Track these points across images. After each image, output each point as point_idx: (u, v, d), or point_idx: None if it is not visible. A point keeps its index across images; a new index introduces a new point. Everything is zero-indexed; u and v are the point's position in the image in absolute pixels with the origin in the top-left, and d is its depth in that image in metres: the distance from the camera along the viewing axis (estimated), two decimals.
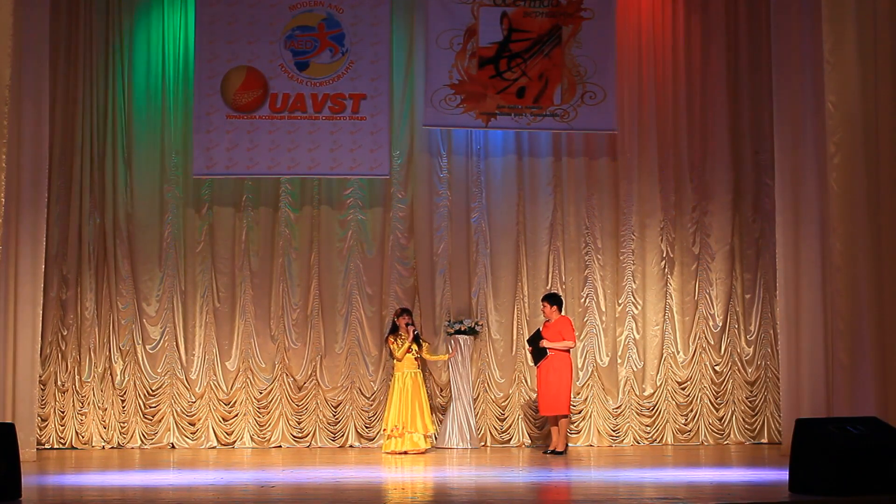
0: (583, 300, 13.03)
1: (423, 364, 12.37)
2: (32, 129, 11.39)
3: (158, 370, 12.73)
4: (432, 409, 12.59)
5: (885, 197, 9.52)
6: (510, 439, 12.87)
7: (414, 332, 12.00)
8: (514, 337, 12.97)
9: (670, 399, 12.98)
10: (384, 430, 12.06)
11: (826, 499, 7.56)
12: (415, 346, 11.97)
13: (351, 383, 12.86)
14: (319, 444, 12.75)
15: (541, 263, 13.05)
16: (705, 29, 13.24)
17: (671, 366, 13.01)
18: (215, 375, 12.79)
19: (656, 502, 7.81)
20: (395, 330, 12.06)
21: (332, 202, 13.01)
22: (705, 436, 12.95)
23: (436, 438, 12.53)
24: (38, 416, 11.96)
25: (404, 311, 12.11)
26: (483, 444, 12.78)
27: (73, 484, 9.56)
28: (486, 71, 12.68)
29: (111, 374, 12.66)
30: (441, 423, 12.65)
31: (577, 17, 12.74)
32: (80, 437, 12.56)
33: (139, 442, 12.62)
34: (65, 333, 12.59)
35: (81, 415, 12.57)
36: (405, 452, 11.74)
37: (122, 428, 12.63)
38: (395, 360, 12.02)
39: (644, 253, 13.10)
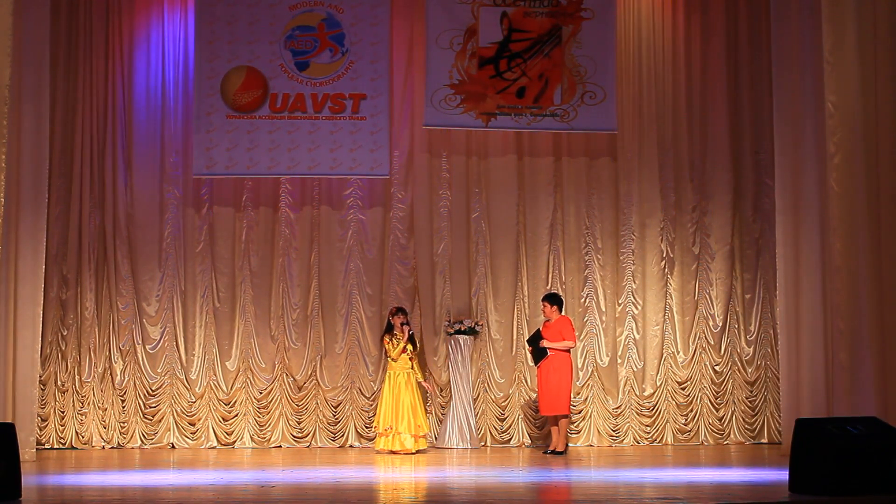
0: (583, 300, 13.03)
1: (421, 363, 12.39)
2: (32, 129, 11.38)
3: (158, 370, 12.73)
4: (431, 409, 12.63)
5: (885, 197, 9.51)
6: (510, 439, 12.87)
7: (409, 331, 12.00)
8: (514, 337, 12.97)
9: (670, 399, 12.98)
10: (375, 427, 12.08)
11: (826, 499, 7.56)
12: (409, 346, 11.98)
13: (351, 383, 12.86)
14: (319, 444, 12.75)
15: (541, 263, 13.06)
16: (705, 29, 13.24)
17: (671, 366, 13.02)
18: (215, 375, 12.79)
19: (656, 502, 7.81)
20: (390, 329, 12.07)
21: (332, 202, 13.01)
22: (705, 436, 12.95)
23: (436, 438, 12.54)
24: (38, 416, 11.96)
25: (399, 311, 12.11)
26: (483, 444, 12.78)
27: (73, 484, 9.56)
28: (486, 71, 12.68)
29: (111, 374, 12.66)
30: (441, 423, 12.65)
31: (577, 17, 12.75)
32: (80, 437, 12.56)
33: (139, 442, 12.62)
34: (65, 333, 12.59)
35: (81, 415, 12.57)
36: (395, 452, 11.75)
37: (122, 428, 12.63)
38: (390, 360, 12.04)
39: (644, 253, 13.10)
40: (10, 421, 9.72)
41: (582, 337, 12.84)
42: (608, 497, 8.24)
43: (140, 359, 12.71)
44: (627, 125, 13.13)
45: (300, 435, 12.78)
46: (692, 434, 12.95)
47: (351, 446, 12.74)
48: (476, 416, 12.68)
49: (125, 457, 11.92)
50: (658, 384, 12.97)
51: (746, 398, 13.02)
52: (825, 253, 10.67)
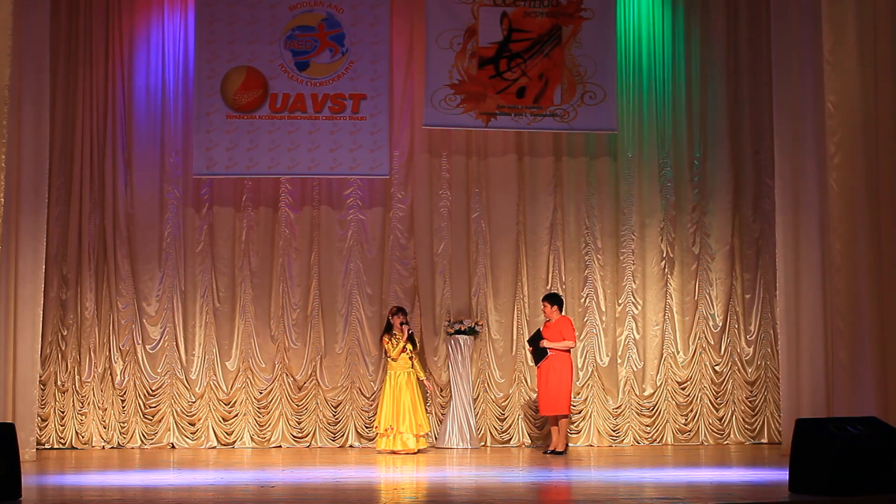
0: (583, 300, 13.03)
1: (421, 363, 12.40)
2: (32, 129, 11.38)
3: (158, 370, 12.73)
4: (431, 409, 12.64)
5: (885, 197, 9.52)
6: (510, 439, 12.87)
7: (409, 331, 12.01)
8: (514, 337, 12.97)
9: (670, 399, 12.98)
10: (376, 427, 12.08)
11: (826, 499, 7.56)
12: (409, 346, 11.98)
13: (351, 383, 12.86)
14: (319, 444, 12.75)
15: (541, 263, 13.06)
16: (705, 29, 13.24)
17: (671, 366, 13.01)
18: (215, 375, 12.79)
19: (656, 502, 7.81)
20: (389, 329, 12.07)
21: (332, 202, 13.01)
22: (705, 436, 12.95)
23: (436, 438, 12.55)
24: (38, 416, 11.95)
25: (399, 311, 12.11)
26: (483, 444, 12.78)
27: (73, 484, 9.56)
28: (486, 71, 12.68)
29: (111, 374, 12.66)
30: (441, 423, 12.65)
31: (577, 17, 12.75)
32: (80, 437, 12.56)
33: (139, 442, 12.62)
34: (65, 333, 12.59)
35: (81, 415, 12.57)
36: (396, 452, 11.76)
37: (122, 428, 12.63)
38: (389, 360, 12.04)
39: (644, 253, 13.10)
40: (10, 421, 9.73)
41: (582, 337, 12.84)
42: (608, 497, 8.24)
43: (140, 359, 12.71)
44: (627, 125, 13.13)
45: (300, 435, 12.78)
46: (692, 434, 12.95)
47: (351, 446, 12.74)
48: (476, 416, 12.68)
49: (125, 457, 11.92)
50: (658, 384, 12.97)
51: (746, 398, 13.02)
52: (825, 253, 10.67)
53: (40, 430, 12.21)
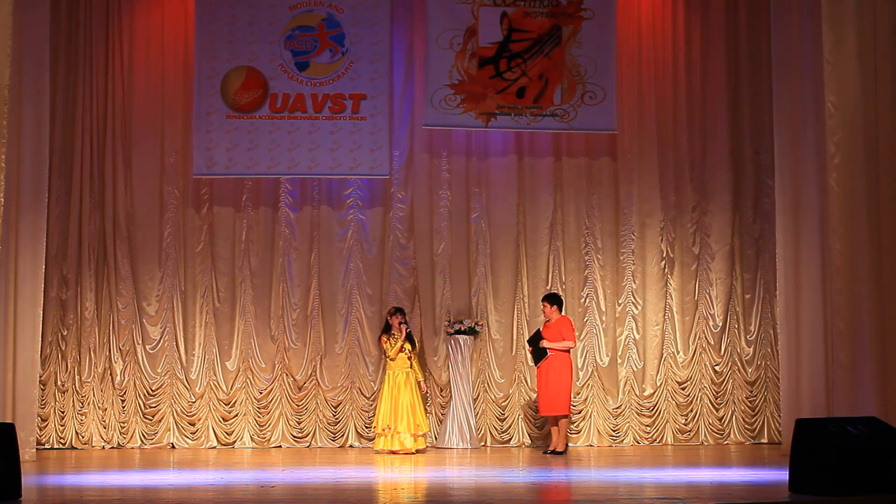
0: (583, 300, 13.03)
1: (421, 363, 12.41)
2: (32, 129, 11.38)
3: (158, 370, 12.73)
4: (431, 409, 12.64)
5: (885, 197, 9.52)
6: (510, 439, 12.87)
7: (407, 330, 12.01)
8: (514, 337, 12.97)
9: (670, 399, 12.98)
10: (374, 427, 12.08)
11: (826, 499, 7.56)
12: (408, 346, 11.99)
13: (351, 383, 12.86)
14: (319, 444, 12.75)
15: (541, 263, 13.06)
16: (705, 29, 13.24)
17: (671, 366, 13.01)
18: (215, 375, 12.79)
19: (656, 502, 7.81)
20: (388, 329, 12.08)
21: (332, 202, 13.02)
22: (705, 436, 12.95)
23: (436, 438, 12.55)
24: (38, 416, 11.95)
25: (397, 311, 12.12)
26: (483, 444, 12.78)
27: (73, 484, 9.56)
28: (486, 71, 12.68)
29: (111, 374, 12.66)
30: (441, 423, 12.65)
31: (577, 17, 12.75)
32: (80, 437, 12.56)
33: (139, 442, 12.62)
34: (65, 333, 12.59)
35: (81, 415, 12.57)
36: (394, 452, 11.76)
37: (122, 428, 12.63)
38: (388, 360, 12.05)
39: (644, 253, 13.10)
40: (10, 421, 9.72)
41: (582, 337, 12.84)
42: (608, 497, 8.24)
43: (140, 359, 12.71)
44: (627, 125, 13.13)
45: (300, 435, 12.78)
46: (692, 434, 12.95)
47: (351, 446, 12.74)
48: (476, 416, 12.68)
49: (125, 457, 11.92)
50: (658, 384, 12.97)
51: (746, 398, 13.02)
52: (825, 253, 10.67)
53: (40, 430, 12.21)
